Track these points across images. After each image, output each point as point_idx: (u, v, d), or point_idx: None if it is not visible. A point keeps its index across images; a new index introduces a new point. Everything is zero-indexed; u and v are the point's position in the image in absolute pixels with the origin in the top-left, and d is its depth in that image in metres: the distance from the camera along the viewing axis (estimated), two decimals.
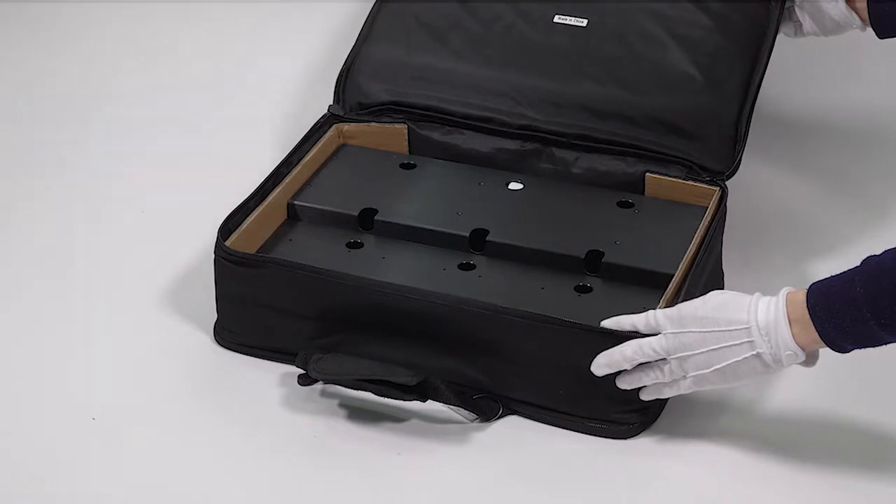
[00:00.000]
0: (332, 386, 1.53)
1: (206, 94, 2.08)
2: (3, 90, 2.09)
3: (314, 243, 1.66)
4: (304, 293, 1.54)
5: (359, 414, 1.52)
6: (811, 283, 1.39)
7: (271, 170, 1.69)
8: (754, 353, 1.39)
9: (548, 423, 1.50)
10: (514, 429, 1.50)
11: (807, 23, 1.76)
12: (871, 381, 1.55)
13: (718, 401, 1.53)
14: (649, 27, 1.77)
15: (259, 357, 1.59)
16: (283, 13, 2.25)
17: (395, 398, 1.48)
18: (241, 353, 1.60)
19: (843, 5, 1.71)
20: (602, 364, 1.45)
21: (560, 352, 1.47)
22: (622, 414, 1.49)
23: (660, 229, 1.65)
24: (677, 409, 1.52)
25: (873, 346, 1.37)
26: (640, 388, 1.46)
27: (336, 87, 1.82)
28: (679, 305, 1.43)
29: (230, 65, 2.14)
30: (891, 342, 1.35)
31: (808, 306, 1.37)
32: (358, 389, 1.49)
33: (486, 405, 1.51)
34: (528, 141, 1.75)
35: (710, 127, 1.71)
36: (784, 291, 1.40)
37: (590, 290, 1.58)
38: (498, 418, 1.52)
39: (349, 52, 1.84)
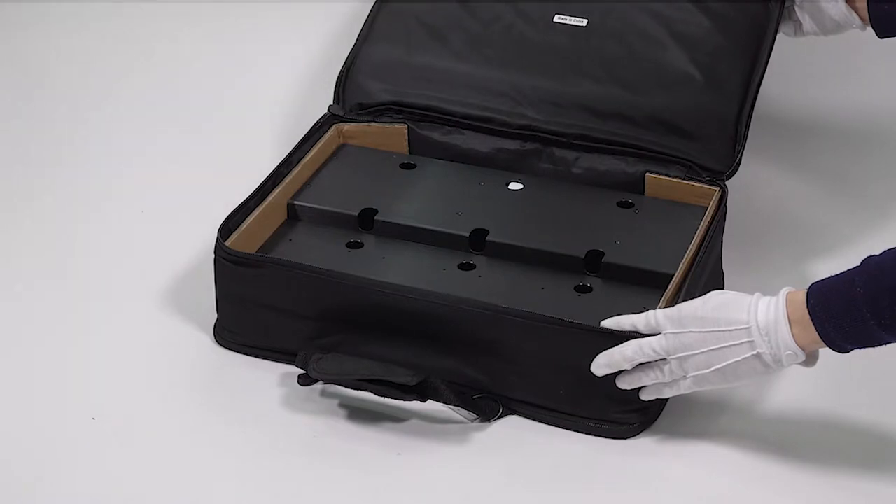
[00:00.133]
0: (332, 386, 1.53)
1: (206, 94, 2.08)
2: (3, 90, 2.09)
3: (314, 243, 1.66)
4: (304, 293, 1.54)
5: (359, 414, 1.52)
6: (811, 283, 1.39)
7: (271, 170, 1.69)
8: (754, 353, 1.39)
9: (548, 423, 1.50)
10: (514, 429, 1.50)
11: (807, 22, 1.76)
12: (871, 381, 1.55)
13: (718, 401, 1.53)
14: (649, 27, 1.77)
15: (259, 357, 1.59)
16: (283, 13, 2.25)
17: (395, 398, 1.48)
18: (240, 353, 1.60)
19: (842, 5, 1.71)
20: (602, 364, 1.45)
21: (560, 352, 1.47)
22: (622, 414, 1.49)
23: (660, 229, 1.65)
24: (677, 409, 1.52)
25: (873, 347, 1.37)
26: (640, 389, 1.46)
27: (336, 87, 1.82)
28: (679, 305, 1.43)
29: (230, 65, 2.14)
30: (891, 342, 1.35)
31: (808, 306, 1.37)
32: (358, 389, 1.49)
33: (486, 405, 1.51)
34: (528, 141, 1.75)
35: (710, 127, 1.71)
36: (784, 291, 1.40)
37: (590, 290, 1.58)
38: (498, 418, 1.52)
39: (349, 52, 1.84)
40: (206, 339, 1.62)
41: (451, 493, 1.43)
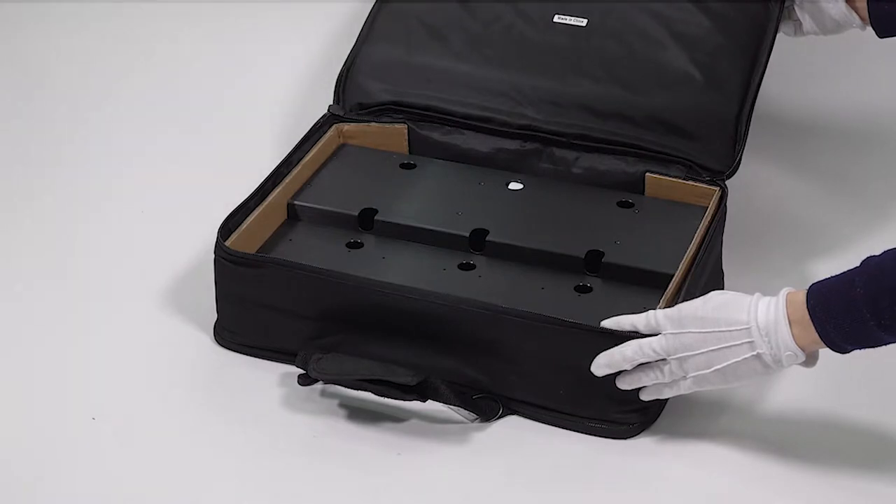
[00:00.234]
0: (332, 386, 1.53)
1: (206, 94, 2.08)
2: (3, 90, 2.09)
3: (314, 243, 1.66)
4: (304, 293, 1.54)
5: (359, 414, 1.52)
6: (811, 283, 1.39)
7: (271, 170, 1.69)
8: (754, 353, 1.39)
9: (548, 423, 1.50)
10: (514, 429, 1.50)
11: (806, 22, 1.76)
12: (871, 381, 1.55)
13: (718, 401, 1.53)
14: (649, 27, 1.77)
15: (259, 357, 1.59)
16: (283, 13, 2.25)
17: (395, 398, 1.48)
18: (240, 353, 1.60)
19: (842, 4, 1.71)
20: (602, 364, 1.45)
21: (560, 352, 1.47)
22: (622, 414, 1.49)
23: (660, 229, 1.65)
24: (677, 409, 1.52)
25: (873, 347, 1.37)
26: (639, 389, 1.46)
27: (336, 87, 1.82)
28: (679, 305, 1.43)
29: (230, 65, 2.14)
30: (891, 343, 1.35)
31: (807, 307, 1.37)
32: (358, 389, 1.49)
33: (486, 405, 1.51)
34: (528, 141, 1.75)
35: (710, 126, 1.71)
36: (784, 292, 1.40)
37: (590, 290, 1.58)
38: (498, 418, 1.51)
39: (349, 52, 1.84)
40: (206, 339, 1.62)
41: (451, 493, 1.43)
